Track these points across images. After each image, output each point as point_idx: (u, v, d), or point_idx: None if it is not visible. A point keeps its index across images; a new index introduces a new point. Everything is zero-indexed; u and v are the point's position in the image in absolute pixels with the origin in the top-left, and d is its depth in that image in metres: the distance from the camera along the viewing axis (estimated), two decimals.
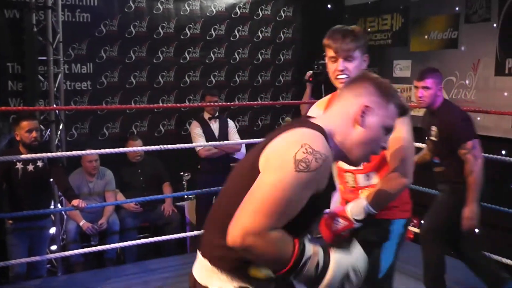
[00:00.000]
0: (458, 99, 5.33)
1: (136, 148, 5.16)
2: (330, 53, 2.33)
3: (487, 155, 4.33)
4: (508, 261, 4.39)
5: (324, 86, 5.60)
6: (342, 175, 2.48)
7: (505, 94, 4.88)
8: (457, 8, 5.35)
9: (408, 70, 5.99)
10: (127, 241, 4.94)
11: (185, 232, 5.56)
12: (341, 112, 1.73)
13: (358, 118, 1.69)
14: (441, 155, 3.74)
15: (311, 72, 5.53)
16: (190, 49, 6.19)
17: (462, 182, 3.56)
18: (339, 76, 2.33)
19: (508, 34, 4.88)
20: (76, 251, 4.67)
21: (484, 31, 5.04)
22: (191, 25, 6.16)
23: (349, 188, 2.47)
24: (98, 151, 4.74)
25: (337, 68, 2.31)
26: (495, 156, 4.40)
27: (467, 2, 5.23)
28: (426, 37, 5.74)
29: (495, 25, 4.96)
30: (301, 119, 1.88)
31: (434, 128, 3.70)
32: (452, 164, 3.65)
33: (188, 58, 6.18)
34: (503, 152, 4.64)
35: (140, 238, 5.19)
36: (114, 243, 4.98)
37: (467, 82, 5.27)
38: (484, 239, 5.05)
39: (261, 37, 6.64)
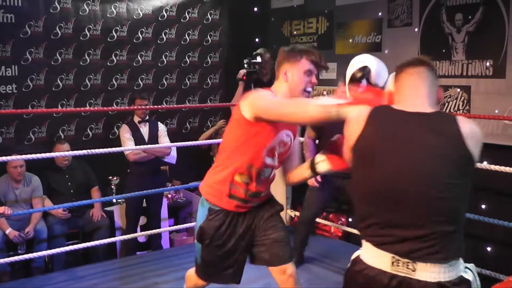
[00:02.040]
0: None
1: (63, 153, 5.03)
2: (310, 67, 2.78)
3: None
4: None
5: (254, 85, 5.67)
6: (261, 169, 2.77)
7: None
8: (380, 13, 5.53)
9: (333, 73, 6.13)
10: (55, 248, 4.79)
11: (115, 236, 5.49)
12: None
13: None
14: None
15: (244, 71, 5.58)
16: (117, 52, 6.11)
17: None
18: (308, 89, 2.83)
19: (428, 38, 5.08)
20: (2, 260, 4.50)
21: (406, 35, 5.24)
22: (118, 28, 6.09)
23: (260, 180, 2.80)
24: (24, 156, 4.58)
25: (312, 80, 2.82)
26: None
27: (389, 7, 5.42)
28: (350, 40, 5.90)
29: (416, 29, 5.16)
30: None
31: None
32: None
33: (115, 61, 6.10)
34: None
35: (68, 245, 5.06)
36: (41, 251, 4.83)
37: None
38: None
39: (188, 40, 6.63)
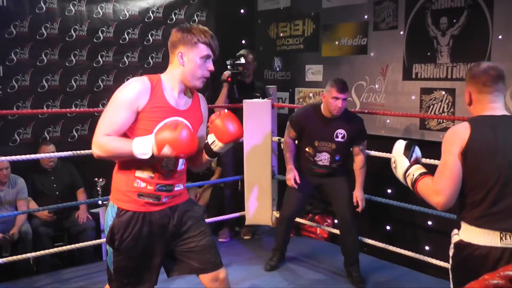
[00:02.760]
0: (368, 102, 5.55)
1: (48, 154, 5.01)
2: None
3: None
4: (417, 255, 4.64)
5: (237, 87, 5.68)
6: (160, 160, 2.66)
7: (413, 97, 5.13)
8: (366, 16, 5.56)
9: (320, 75, 6.16)
10: (40, 251, 4.76)
11: (101, 238, 5.47)
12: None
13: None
14: (344, 153, 4.56)
15: (229, 72, 5.59)
16: (104, 53, 6.08)
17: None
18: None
19: (414, 41, 5.13)
20: None
21: (392, 38, 5.28)
22: (104, 28, 6.06)
23: (163, 172, 2.69)
24: (8, 158, 4.56)
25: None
26: None
27: (375, 10, 5.46)
28: (336, 43, 5.92)
29: (402, 32, 5.20)
30: None
31: (341, 131, 4.46)
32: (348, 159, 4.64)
33: (101, 62, 6.07)
34: None
35: (54, 247, 5.03)
36: (27, 253, 4.77)
37: (376, 86, 5.49)
38: (396, 235, 5.35)
39: None
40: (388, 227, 5.47)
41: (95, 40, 6.00)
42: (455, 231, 2.59)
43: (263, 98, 5.67)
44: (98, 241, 5.18)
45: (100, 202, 5.69)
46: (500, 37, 4.48)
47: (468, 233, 2.50)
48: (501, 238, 2.41)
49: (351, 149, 4.58)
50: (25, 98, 5.59)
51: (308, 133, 4.54)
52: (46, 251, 4.75)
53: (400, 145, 2.81)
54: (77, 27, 5.87)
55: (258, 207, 5.53)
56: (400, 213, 5.26)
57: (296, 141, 4.73)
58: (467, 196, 2.51)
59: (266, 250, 5.47)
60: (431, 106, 5.01)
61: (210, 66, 2.68)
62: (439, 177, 2.52)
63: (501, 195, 2.44)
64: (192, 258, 2.83)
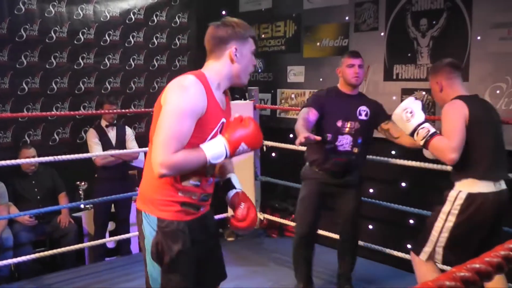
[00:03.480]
0: None
1: (29, 160, 4.95)
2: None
3: (377, 157, 4.64)
4: (399, 254, 4.67)
5: None
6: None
7: (394, 98, 5.16)
8: (347, 17, 5.58)
9: (301, 76, 6.17)
10: (21, 256, 4.71)
11: (83, 243, 5.44)
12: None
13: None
14: (366, 135, 4.05)
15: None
16: (84, 55, 6.04)
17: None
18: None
19: (394, 42, 5.16)
20: None
21: (373, 39, 5.31)
22: (84, 30, 6.01)
23: (208, 180, 2.54)
24: None
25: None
26: (385, 158, 4.69)
27: (356, 12, 5.48)
28: (318, 44, 5.94)
29: (382, 33, 5.23)
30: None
31: (365, 108, 4.00)
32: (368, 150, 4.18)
33: (82, 64, 6.02)
34: (393, 152, 4.90)
35: (35, 253, 4.99)
36: (7, 259, 4.73)
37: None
38: (377, 234, 5.39)
39: (156, 43, 6.60)
40: (370, 226, 5.50)
41: (75, 41, 5.96)
42: (459, 187, 3.20)
43: (243, 99, 5.67)
44: (80, 245, 5.15)
45: (82, 206, 5.66)
46: (479, 38, 4.53)
47: (474, 186, 3.16)
48: (494, 184, 3.17)
49: (379, 127, 4.03)
50: (4, 101, 5.53)
51: (330, 112, 3.95)
52: (27, 257, 4.70)
53: (417, 100, 3.26)
54: (57, 28, 5.82)
55: None
56: (381, 212, 5.30)
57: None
58: (471, 158, 3.13)
59: (249, 251, 5.48)
60: None
61: (255, 60, 2.52)
62: (454, 137, 3.08)
63: (495, 154, 3.23)
64: (218, 266, 2.79)
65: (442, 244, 3.25)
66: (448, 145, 3.07)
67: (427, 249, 3.31)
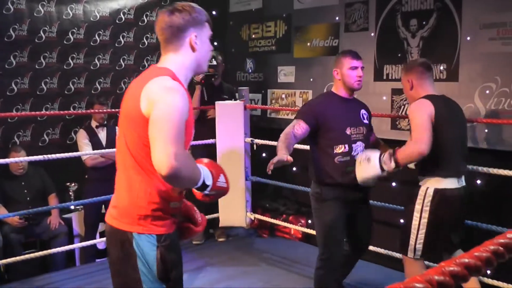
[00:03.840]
0: None
1: (18, 158, 4.93)
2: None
3: None
4: (390, 253, 4.69)
5: (206, 89, 5.68)
6: None
7: (384, 98, 5.18)
8: (337, 18, 5.59)
9: (292, 76, 6.18)
10: (11, 258, 4.68)
11: (73, 244, 5.42)
12: None
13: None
14: (369, 140, 3.87)
15: (202, 74, 5.58)
16: (74, 55, 6.00)
17: None
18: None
19: (384, 42, 5.18)
20: None
21: (363, 39, 5.32)
22: (74, 30, 5.98)
23: None
24: None
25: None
26: None
27: (346, 12, 5.49)
28: (308, 44, 5.95)
29: (372, 34, 5.25)
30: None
31: (365, 112, 3.81)
32: None
33: (72, 64, 5.99)
34: None
35: (25, 254, 4.95)
36: None
37: None
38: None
39: (146, 43, 6.58)
40: None
41: (65, 41, 5.93)
42: (426, 184, 3.42)
43: (231, 98, 5.67)
44: (70, 246, 5.14)
45: (72, 207, 5.64)
46: (468, 38, 4.55)
47: (440, 183, 3.38)
48: (458, 181, 3.42)
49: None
50: None
51: (335, 121, 3.59)
52: (17, 258, 4.67)
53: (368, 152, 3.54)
54: (46, 28, 5.78)
55: (232, 209, 5.53)
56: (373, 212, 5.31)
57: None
58: (436, 156, 3.33)
59: (240, 251, 5.49)
60: (402, 106, 5.06)
61: (211, 46, 2.34)
62: (416, 132, 3.29)
63: (458, 152, 3.49)
64: None
65: (421, 241, 3.45)
66: (411, 144, 3.33)
67: (411, 247, 3.49)
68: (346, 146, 3.57)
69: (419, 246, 3.46)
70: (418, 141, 3.27)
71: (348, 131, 3.58)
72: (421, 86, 3.53)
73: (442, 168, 3.40)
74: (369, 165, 3.41)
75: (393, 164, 3.34)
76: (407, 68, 3.64)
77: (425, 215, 3.41)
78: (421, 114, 3.34)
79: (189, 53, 2.23)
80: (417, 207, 3.43)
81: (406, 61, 4.98)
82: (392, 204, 4.68)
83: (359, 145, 3.62)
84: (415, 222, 3.45)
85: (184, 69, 2.24)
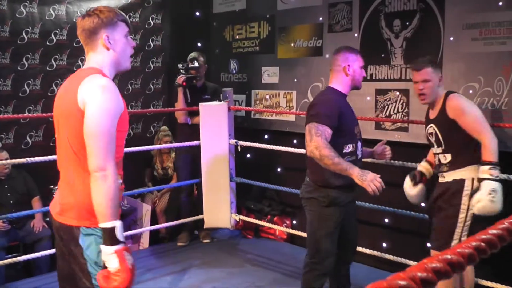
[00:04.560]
0: None
1: (1, 161, 4.88)
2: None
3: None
4: (375, 253, 4.71)
5: (189, 90, 5.67)
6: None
7: (368, 98, 5.20)
8: (320, 18, 5.61)
9: (276, 77, 6.18)
10: None
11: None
12: None
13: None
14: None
15: (184, 76, 5.57)
16: (57, 56, 5.95)
17: None
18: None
19: (368, 43, 5.19)
20: None
21: (346, 40, 5.32)
22: (57, 31, 5.93)
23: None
24: None
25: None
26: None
27: (329, 12, 5.51)
28: (292, 45, 5.96)
29: (356, 34, 5.27)
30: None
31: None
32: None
33: (55, 65, 5.94)
34: None
35: (9, 258, 4.89)
36: None
37: None
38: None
39: None
40: None
41: (48, 43, 5.87)
42: (470, 175, 3.41)
43: (216, 98, 5.66)
44: (54, 250, 5.08)
45: None
46: (451, 38, 4.58)
47: (477, 171, 3.38)
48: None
49: None
50: None
51: (347, 121, 3.47)
52: (1, 262, 4.63)
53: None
54: (28, 29, 5.73)
55: (217, 210, 5.52)
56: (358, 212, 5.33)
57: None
58: (473, 145, 3.43)
59: (225, 253, 5.48)
60: (386, 107, 5.08)
61: (132, 42, 2.50)
62: (481, 124, 3.40)
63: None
64: None
65: (466, 233, 3.41)
66: (487, 139, 3.36)
67: (455, 241, 3.42)
68: (354, 145, 3.49)
69: (464, 239, 3.30)
70: (490, 132, 3.38)
71: (355, 130, 3.53)
72: (443, 82, 3.71)
73: (477, 156, 3.40)
74: (498, 196, 3.29)
75: (497, 171, 3.32)
76: (436, 64, 3.75)
77: (471, 204, 3.39)
78: (474, 106, 3.53)
79: (105, 52, 2.40)
80: (465, 199, 3.41)
81: (390, 62, 5.01)
82: (375, 204, 4.69)
83: (360, 144, 3.56)
84: (462, 215, 3.41)
85: (105, 67, 2.40)
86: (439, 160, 3.65)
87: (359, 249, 4.78)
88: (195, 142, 5.51)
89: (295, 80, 5.91)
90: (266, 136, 6.18)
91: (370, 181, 3.09)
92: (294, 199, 5.74)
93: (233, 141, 5.54)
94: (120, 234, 2.17)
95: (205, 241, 5.87)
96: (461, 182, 3.45)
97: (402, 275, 0.68)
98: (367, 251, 4.77)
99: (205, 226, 5.64)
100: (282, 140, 5.67)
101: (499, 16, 4.30)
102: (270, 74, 6.25)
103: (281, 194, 6.02)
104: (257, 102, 6.39)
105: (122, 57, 2.44)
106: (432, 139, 3.68)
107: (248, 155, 6.21)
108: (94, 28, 2.36)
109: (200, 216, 5.64)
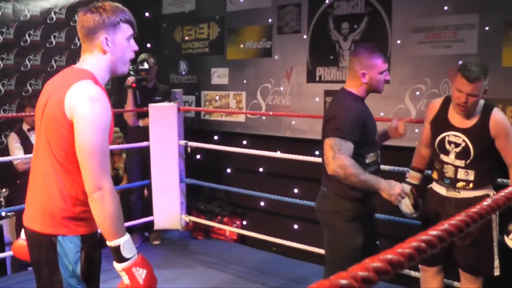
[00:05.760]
0: (274, 104, 5.65)
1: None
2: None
3: (302, 156, 4.70)
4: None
5: (139, 92, 5.63)
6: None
7: (317, 99, 5.28)
8: (270, 20, 5.66)
9: (225, 78, 6.20)
10: None
11: (4, 252, 5.25)
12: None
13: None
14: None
15: (133, 78, 5.52)
16: (4, 56, 5.80)
17: None
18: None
19: (317, 45, 5.27)
20: None
21: (296, 41, 5.40)
22: (3, 30, 5.78)
23: None
24: None
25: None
26: (309, 157, 4.74)
27: (279, 14, 5.57)
28: (241, 46, 5.99)
29: (305, 36, 5.34)
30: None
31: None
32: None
33: (1, 65, 5.78)
34: (316, 152, 5.00)
35: None
36: None
37: (281, 88, 5.60)
38: (303, 233, 5.47)
39: (78, 44, 6.38)
40: (295, 226, 5.58)
41: None
42: (492, 190, 3.21)
43: (167, 99, 5.64)
44: (1, 255, 4.97)
45: (3, 213, 5.45)
46: (398, 42, 4.70)
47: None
48: None
49: None
50: None
51: (369, 130, 3.17)
52: None
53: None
54: None
55: (167, 211, 5.50)
56: (307, 212, 5.39)
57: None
58: (495, 164, 3.22)
59: (176, 254, 5.47)
60: None
61: (135, 46, 2.29)
62: None
63: None
64: None
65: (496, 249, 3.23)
66: None
67: (497, 262, 3.21)
68: (375, 153, 3.21)
69: (497, 257, 3.22)
70: None
71: (377, 137, 3.28)
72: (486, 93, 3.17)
73: (495, 180, 3.28)
74: None
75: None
76: (488, 73, 3.07)
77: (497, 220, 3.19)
78: None
79: (101, 55, 2.23)
80: (494, 216, 3.09)
81: (338, 64, 5.10)
82: None
83: (379, 152, 3.28)
84: (495, 232, 3.18)
85: (100, 70, 2.25)
86: (454, 173, 3.23)
87: (310, 248, 4.83)
88: (144, 143, 5.47)
89: (245, 81, 5.94)
90: (216, 137, 6.19)
91: (398, 195, 2.90)
92: (244, 199, 5.80)
93: (182, 142, 5.53)
94: (126, 250, 2.15)
95: (155, 242, 5.84)
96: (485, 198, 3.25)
97: (344, 275, 0.71)
98: (318, 250, 4.81)
99: (155, 228, 5.61)
100: (232, 141, 5.70)
101: (445, 20, 4.44)
102: (219, 75, 6.26)
103: (231, 195, 6.04)
104: (207, 103, 6.40)
105: (120, 62, 2.27)
106: (453, 148, 3.21)
107: (198, 156, 6.20)
108: (93, 28, 2.19)
109: (150, 218, 5.61)
